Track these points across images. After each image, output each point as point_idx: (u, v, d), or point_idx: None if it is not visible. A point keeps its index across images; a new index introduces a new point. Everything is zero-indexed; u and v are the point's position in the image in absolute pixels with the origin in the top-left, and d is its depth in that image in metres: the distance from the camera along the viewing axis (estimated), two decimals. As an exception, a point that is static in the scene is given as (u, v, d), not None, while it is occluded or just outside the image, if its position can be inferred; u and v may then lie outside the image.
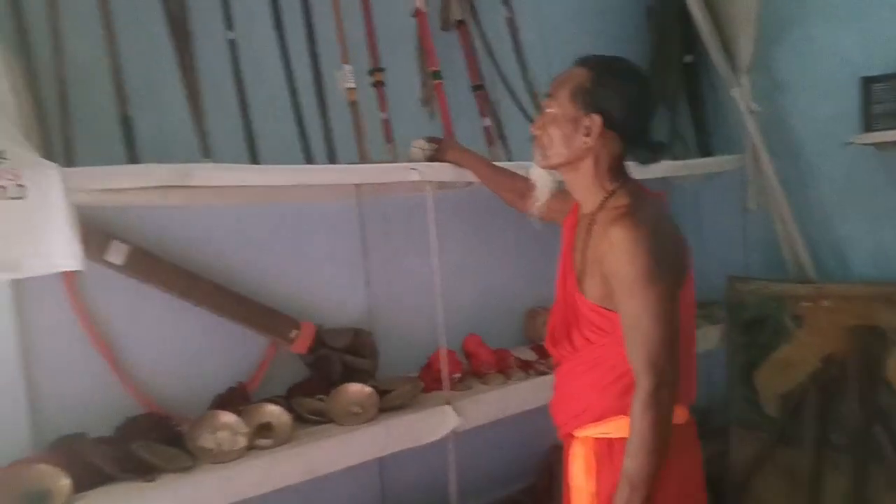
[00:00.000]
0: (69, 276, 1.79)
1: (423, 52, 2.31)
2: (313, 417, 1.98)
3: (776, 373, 2.88)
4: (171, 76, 1.81)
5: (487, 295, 2.69)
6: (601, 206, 1.56)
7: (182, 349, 2.00)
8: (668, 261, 1.46)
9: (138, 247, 1.89)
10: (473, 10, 2.52)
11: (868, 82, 2.69)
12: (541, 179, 1.72)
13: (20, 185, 1.38)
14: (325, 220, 2.27)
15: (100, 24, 1.70)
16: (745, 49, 2.90)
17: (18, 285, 1.73)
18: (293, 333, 2.09)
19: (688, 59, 3.17)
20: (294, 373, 2.18)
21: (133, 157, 1.68)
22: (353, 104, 2.11)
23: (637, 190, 1.57)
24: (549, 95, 1.60)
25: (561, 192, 1.74)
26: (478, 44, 2.49)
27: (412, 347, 2.38)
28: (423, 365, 2.34)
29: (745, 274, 3.05)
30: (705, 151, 3.14)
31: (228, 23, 1.90)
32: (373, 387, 2.06)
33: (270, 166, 1.81)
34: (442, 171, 2.06)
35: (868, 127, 2.69)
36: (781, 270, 3.01)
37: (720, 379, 3.08)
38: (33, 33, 1.59)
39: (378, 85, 2.18)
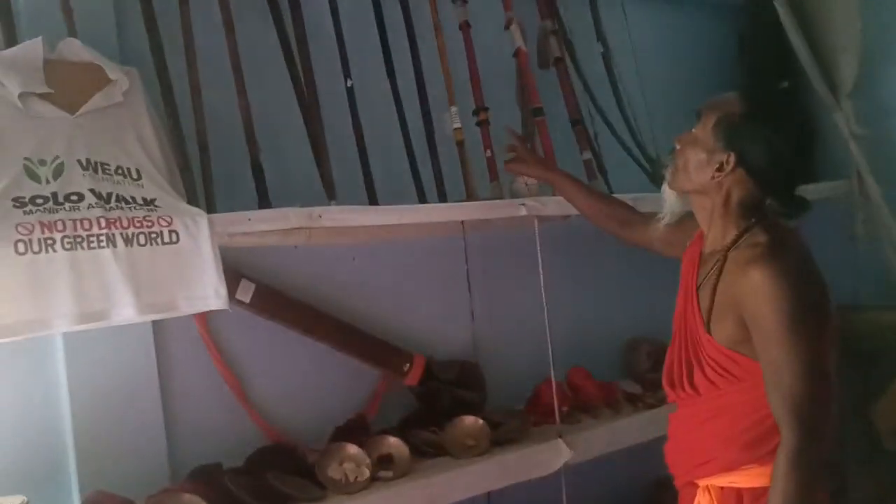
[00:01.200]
0: (202, 314, 1.90)
1: (525, 90, 2.37)
2: (429, 449, 2.02)
3: (894, 406, 2.77)
4: (296, 124, 1.92)
5: (587, 326, 2.69)
6: (735, 243, 1.45)
7: (303, 382, 2.10)
8: (815, 304, 1.36)
9: (264, 285, 1.99)
10: (570, 48, 2.57)
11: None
12: (667, 200, 1.60)
13: (173, 231, 1.49)
14: (433, 256, 2.34)
15: (232, 78, 1.82)
16: (845, 72, 2.86)
17: (157, 323, 1.85)
18: (406, 367, 2.15)
19: (784, 84, 3.13)
20: (403, 404, 2.24)
21: (264, 202, 1.78)
22: (460, 143, 2.18)
23: (775, 226, 1.45)
24: (698, 114, 1.50)
25: (681, 222, 1.63)
26: (575, 80, 2.53)
27: (516, 379, 2.40)
28: (529, 397, 2.36)
29: (855, 303, 2.95)
30: (808, 179, 3.07)
31: (347, 71, 2.00)
32: (484, 419, 2.09)
33: (389, 206, 1.89)
34: (548, 206, 2.10)
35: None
36: (894, 299, 2.90)
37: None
38: (177, 91, 1.72)
39: (482, 124, 2.24)
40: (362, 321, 2.18)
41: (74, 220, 1.40)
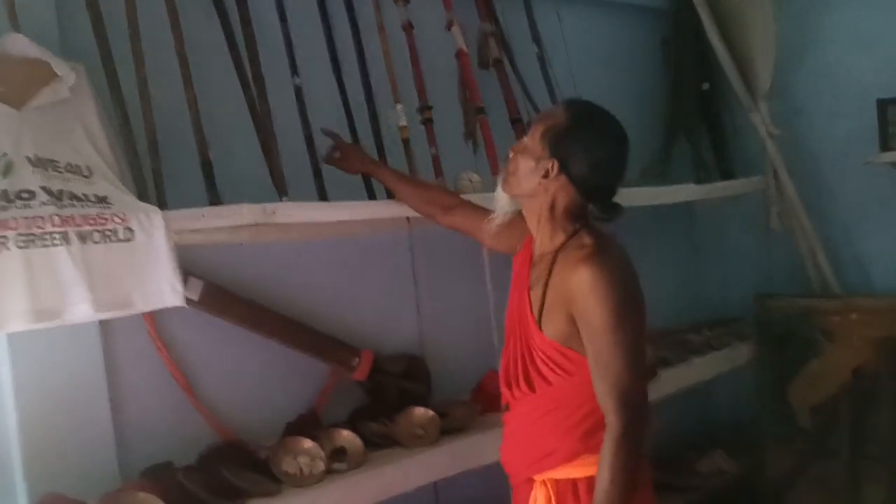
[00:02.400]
0: (150, 312, 1.88)
1: (466, 89, 2.43)
2: (380, 441, 2.06)
3: (808, 386, 2.98)
4: (245, 120, 1.92)
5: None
6: (563, 246, 1.55)
7: (252, 380, 2.10)
8: (636, 300, 1.50)
9: (211, 282, 1.99)
10: (508, 49, 2.65)
11: (884, 104, 2.82)
12: (500, 201, 1.68)
13: (128, 228, 1.48)
14: (379, 252, 2.37)
15: (179, 73, 1.81)
16: (762, 75, 3.05)
17: (105, 321, 1.82)
18: (354, 361, 2.18)
19: (705, 86, 3.30)
20: (352, 399, 2.27)
21: (214, 198, 1.78)
22: (406, 141, 2.22)
23: (598, 230, 1.58)
24: (529, 124, 1.62)
25: (514, 221, 1.71)
26: (514, 80, 2.61)
27: (460, 372, 2.47)
28: (473, 388, 2.43)
29: (769, 291, 3.16)
30: (726, 175, 3.26)
31: (294, 69, 2.01)
32: (432, 410, 2.15)
33: (340, 203, 1.93)
34: (492, 203, 2.16)
35: (885, 147, 2.82)
36: (806, 287, 3.12)
37: (750, 395, 3.18)
38: (124, 85, 1.70)
39: (427, 122, 2.29)
40: (310, 317, 2.19)
41: (27, 218, 1.38)
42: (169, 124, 1.80)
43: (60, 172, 1.50)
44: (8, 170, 1.44)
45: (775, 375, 3.07)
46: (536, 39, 2.79)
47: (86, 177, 1.53)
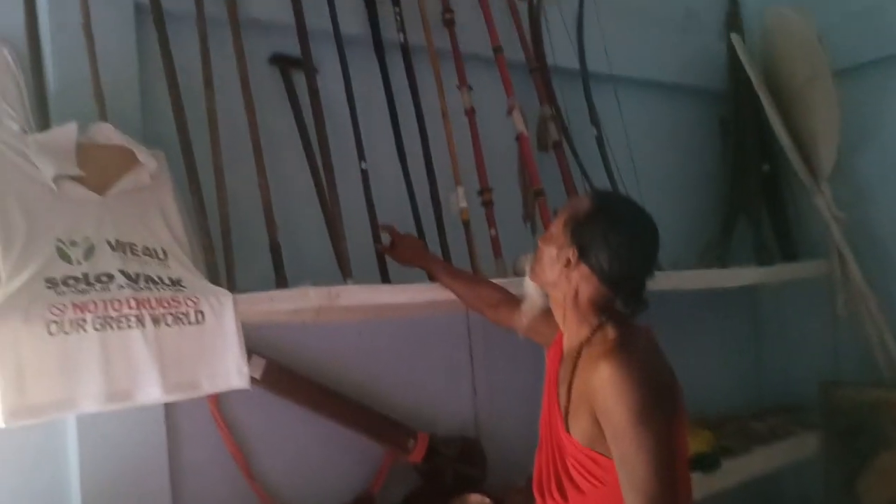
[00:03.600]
0: (213, 390, 1.91)
1: (526, 172, 2.46)
2: (435, 527, 2.03)
3: (878, 481, 2.83)
4: (312, 202, 1.98)
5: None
6: (588, 341, 1.48)
7: (309, 459, 2.11)
8: (662, 398, 1.38)
9: (273, 360, 2.02)
10: (567, 132, 2.69)
11: (953, 189, 2.75)
12: (529, 291, 1.65)
13: (199, 311, 1.52)
14: (437, 332, 2.38)
15: (252, 159, 1.88)
16: (826, 158, 3.00)
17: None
18: (410, 443, 2.17)
19: (766, 167, 3.27)
20: (406, 481, 2.25)
21: (281, 281, 1.82)
22: (466, 223, 2.25)
23: (625, 323, 1.50)
24: (555, 212, 1.59)
25: (548, 313, 1.64)
26: (572, 162, 2.64)
27: (517, 455, 2.42)
28: (529, 473, 2.37)
29: (836, 380, 3.04)
30: (789, 257, 3.19)
31: (361, 154, 2.07)
32: (488, 496, 2.10)
33: (402, 285, 1.94)
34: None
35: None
36: (876, 375, 2.99)
37: (817, 488, 3.03)
38: (201, 172, 1.78)
39: (487, 204, 2.32)
40: (367, 396, 2.20)
41: (105, 301, 1.43)
42: (240, 207, 1.87)
43: (138, 255, 1.56)
44: (89, 253, 1.50)
45: (843, 468, 2.92)
46: (595, 122, 2.83)
47: (161, 259, 1.59)
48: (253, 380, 1.96)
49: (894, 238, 3.04)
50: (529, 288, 1.63)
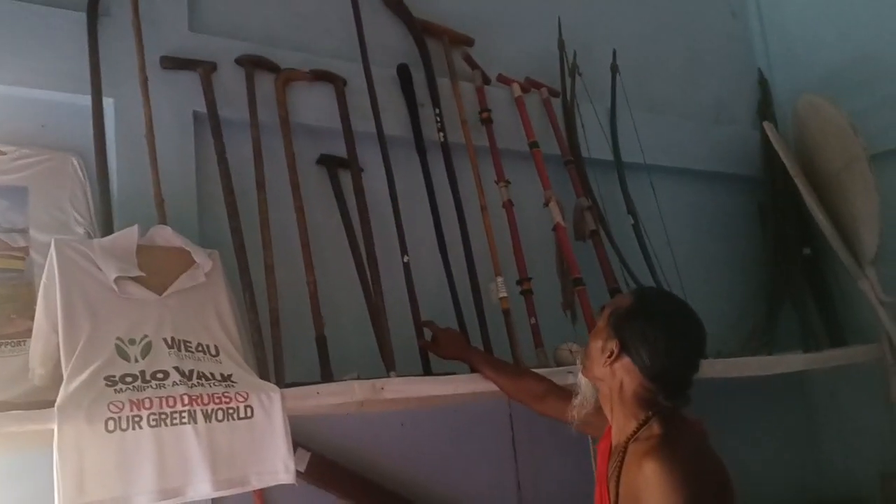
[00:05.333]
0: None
1: (565, 261, 2.50)
2: None
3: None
4: (357, 296, 2.05)
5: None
6: (634, 436, 1.49)
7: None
8: (704, 497, 1.38)
9: (316, 453, 2.04)
10: (603, 221, 2.74)
11: None
12: (580, 386, 1.67)
13: (248, 406, 1.57)
14: (479, 422, 2.38)
15: (301, 255, 1.97)
16: (868, 242, 2.97)
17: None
18: (453, 537, 2.14)
19: (806, 251, 3.25)
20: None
21: (327, 374, 1.87)
22: (506, 312, 2.29)
23: (672, 418, 1.50)
24: (601, 309, 1.65)
25: (600, 405, 1.65)
26: (610, 251, 2.68)
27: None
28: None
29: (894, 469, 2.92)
30: (837, 342, 3.13)
31: (404, 248, 2.15)
32: None
33: (443, 377, 1.97)
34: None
35: None
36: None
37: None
38: (252, 270, 1.86)
39: (526, 293, 2.36)
40: (410, 488, 2.20)
41: (161, 398, 1.48)
42: (289, 303, 1.94)
43: (192, 352, 1.63)
44: (147, 351, 1.57)
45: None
46: (632, 211, 2.87)
47: (213, 356, 1.65)
48: (298, 473, 1.99)
49: (945, 322, 2.96)
50: (581, 383, 1.66)
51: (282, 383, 1.72)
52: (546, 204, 2.55)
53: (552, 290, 2.52)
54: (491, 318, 2.27)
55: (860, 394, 3.17)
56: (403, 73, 2.46)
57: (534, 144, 2.63)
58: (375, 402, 1.91)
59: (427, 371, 2.04)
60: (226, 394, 1.56)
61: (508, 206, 2.47)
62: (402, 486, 2.18)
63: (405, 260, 2.15)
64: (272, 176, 2.05)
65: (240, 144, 2.07)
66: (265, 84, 2.18)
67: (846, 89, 3.20)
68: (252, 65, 2.14)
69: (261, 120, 2.12)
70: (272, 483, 1.57)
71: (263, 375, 1.71)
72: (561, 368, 2.15)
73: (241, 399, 1.57)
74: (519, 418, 2.40)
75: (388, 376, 1.91)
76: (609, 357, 1.52)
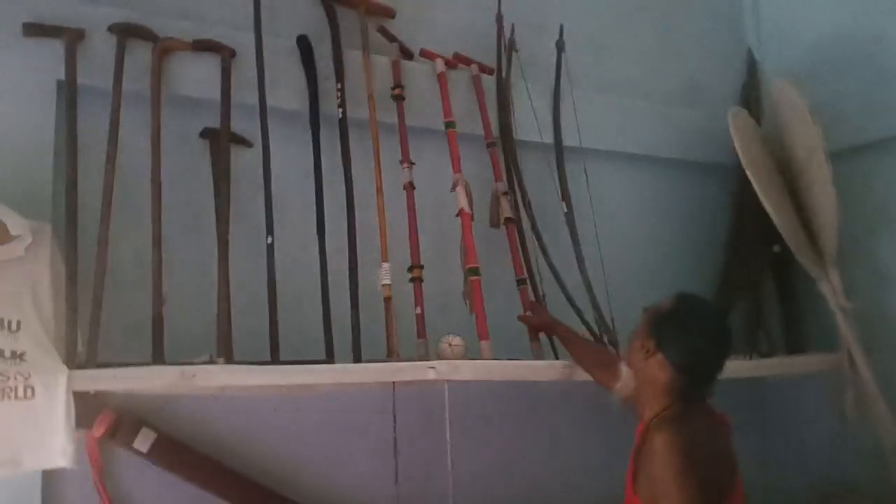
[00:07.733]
0: (96, 461, 1.89)
1: (465, 249, 2.37)
2: None
3: None
4: (210, 278, 1.99)
5: (530, 491, 2.53)
6: (657, 416, 1.71)
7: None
8: (701, 473, 1.57)
9: (166, 435, 1.98)
10: (529, 208, 2.58)
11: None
12: (624, 374, 1.89)
13: (29, 387, 1.52)
14: (360, 411, 2.28)
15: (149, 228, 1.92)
16: (828, 241, 2.72)
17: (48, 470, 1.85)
18: (313, 530, 2.06)
19: (776, 248, 2.98)
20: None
21: (158, 356, 1.81)
22: (387, 300, 2.18)
23: (693, 406, 1.72)
24: (644, 311, 1.85)
25: None
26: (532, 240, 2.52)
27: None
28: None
29: (844, 485, 2.68)
30: (797, 349, 2.89)
31: (270, 228, 2.08)
32: None
33: (277, 366, 1.91)
34: (461, 370, 2.06)
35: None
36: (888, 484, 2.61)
37: None
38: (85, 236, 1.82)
39: (416, 280, 2.25)
40: (276, 476, 2.12)
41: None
42: (127, 279, 1.89)
43: (-14, 325, 1.59)
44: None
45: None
46: (566, 199, 2.70)
47: (12, 331, 1.61)
48: (139, 453, 1.95)
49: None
50: (624, 371, 1.91)
51: (92, 364, 1.66)
52: (453, 188, 2.42)
53: (447, 278, 2.39)
54: (376, 306, 2.18)
55: (818, 407, 2.91)
56: (303, 43, 2.35)
57: (450, 124, 2.49)
58: (237, 387, 1.86)
59: (275, 359, 1.95)
60: (5, 371, 1.52)
61: (409, 188, 2.35)
62: (266, 474, 2.10)
63: (269, 241, 2.06)
64: (147, 149, 2.01)
65: (102, 112, 2.01)
66: (145, 54, 2.12)
67: (831, 73, 2.92)
68: (124, 33, 2.08)
69: (138, 91, 2.06)
70: (48, 465, 1.53)
71: (72, 355, 1.66)
72: (422, 364, 2.06)
73: (21, 378, 1.52)
74: (402, 409, 2.29)
75: (217, 362, 1.83)
76: (646, 353, 1.76)
